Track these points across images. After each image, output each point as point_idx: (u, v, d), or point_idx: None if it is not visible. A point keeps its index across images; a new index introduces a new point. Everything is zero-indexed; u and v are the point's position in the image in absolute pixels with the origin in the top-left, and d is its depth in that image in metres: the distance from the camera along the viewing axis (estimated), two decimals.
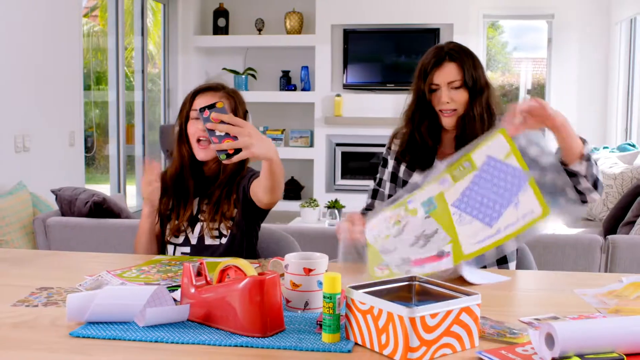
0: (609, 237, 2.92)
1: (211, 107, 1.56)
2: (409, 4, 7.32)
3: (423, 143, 2.16)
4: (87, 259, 2.07)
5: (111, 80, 6.31)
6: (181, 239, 2.19)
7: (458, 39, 7.31)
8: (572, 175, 1.81)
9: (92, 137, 6.61)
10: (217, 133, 1.55)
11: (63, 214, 3.30)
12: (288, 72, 7.85)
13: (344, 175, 7.72)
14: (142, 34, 6.93)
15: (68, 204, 3.26)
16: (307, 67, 7.76)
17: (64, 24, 5.02)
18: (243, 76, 7.73)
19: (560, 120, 1.74)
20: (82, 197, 3.22)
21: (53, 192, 3.37)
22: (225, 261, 1.42)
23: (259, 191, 1.98)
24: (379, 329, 1.26)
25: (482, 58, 7.82)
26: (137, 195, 6.95)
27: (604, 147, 5.72)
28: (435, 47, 2.15)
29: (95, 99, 6.64)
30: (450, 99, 2.08)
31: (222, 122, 1.54)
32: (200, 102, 2.14)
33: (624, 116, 7.08)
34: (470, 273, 1.79)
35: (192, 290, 1.42)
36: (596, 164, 1.86)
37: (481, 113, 2.09)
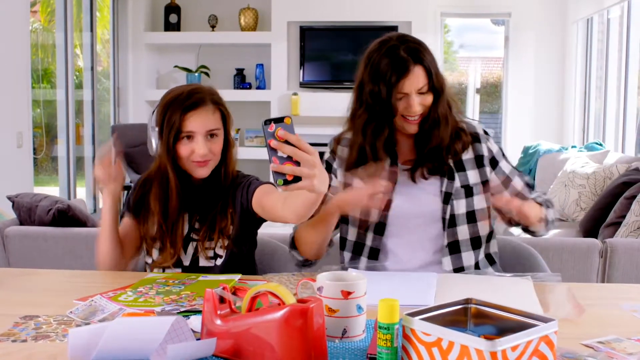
0: (607, 240, 2.82)
1: (278, 121, 1.32)
2: (366, 1, 7.18)
3: (376, 159, 1.93)
4: (68, 279, 1.83)
5: (60, 78, 5.97)
6: (171, 262, 1.96)
7: (416, 37, 7.19)
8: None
9: (39, 138, 6.26)
10: (279, 154, 1.31)
11: (21, 223, 3.03)
12: (242, 70, 7.61)
13: None
14: (91, 30, 6.60)
15: (27, 212, 2.99)
16: (262, 65, 7.55)
17: (11, 19, 4.69)
18: (196, 74, 7.46)
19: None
20: (43, 205, 2.95)
21: (9, 198, 3.09)
22: (257, 287, 1.22)
23: (286, 213, 1.69)
24: None
25: (440, 56, 7.73)
26: (88, 196, 6.62)
27: (572, 147, 5.69)
28: (387, 46, 1.86)
29: (39, 98, 6.29)
30: (420, 107, 1.88)
31: (286, 141, 1.30)
32: (196, 123, 1.86)
33: (581, 115, 7.09)
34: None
35: (218, 321, 1.21)
36: (552, 210, 1.98)
37: (445, 113, 1.93)
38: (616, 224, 3.60)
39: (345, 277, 1.36)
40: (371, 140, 1.92)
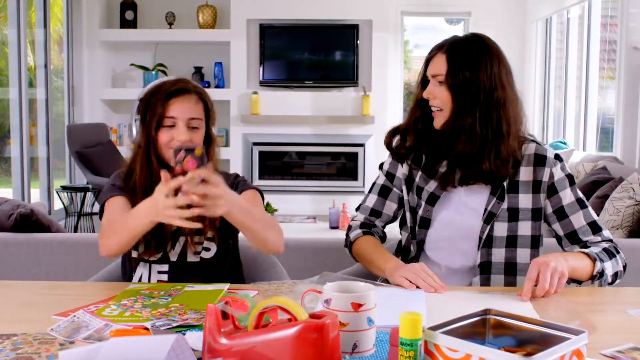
0: None
1: (189, 151, 1.46)
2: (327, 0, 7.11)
3: (416, 146, 1.94)
4: (44, 291, 1.69)
5: (12, 76, 5.74)
6: (157, 255, 1.86)
7: (377, 36, 7.19)
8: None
9: None
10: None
11: None
12: (201, 68, 7.47)
13: (261, 176, 7.43)
14: (45, 27, 6.37)
15: None
16: (220, 63, 7.41)
17: None
18: (153, 72, 7.29)
19: (566, 271, 1.64)
20: (4, 209, 2.79)
21: None
22: (265, 302, 1.13)
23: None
24: None
25: (400, 56, 7.70)
26: (41, 198, 6.41)
27: None
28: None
29: None
30: (432, 95, 1.85)
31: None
32: (177, 109, 1.81)
33: (540, 114, 7.15)
34: None
35: (223, 340, 1.12)
36: (613, 264, 1.78)
37: (471, 125, 1.79)
38: None
39: (354, 288, 1.28)
40: (414, 124, 1.93)
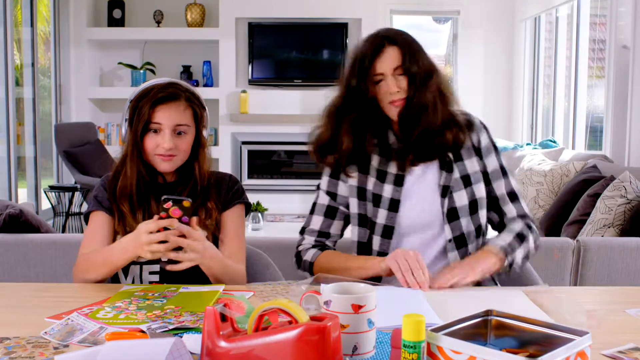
0: (580, 239, 2.80)
1: (177, 202, 1.55)
2: None
3: (364, 150, 1.88)
4: (36, 293, 1.67)
5: None
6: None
7: (366, 34, 7.15)
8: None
9: None
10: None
11: None
12: (189, 67, 7.43)
13: (250, 175, 7.40)
14: (32, 25, 6.31)
15: None
16: (209, 62, 7.38)
17: None
18: (141, 71, 7.25)
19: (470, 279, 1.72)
20: None
21: None
22: (264, 304, 1.11)
23: None
24: None
25: None
26: (29, 197, 6.35)
27: (527, 144, 5.71)
28: (368, 36, 1.86)
29: None
30: (398, 87, 1.81)
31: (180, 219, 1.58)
32: (164, 116, 1.80)
33: (529, 112, 7.16)
34: None
35: (222, 342, 1.10)
36: (524, 247, 1.85)
37: (433, 100, 1.83)
38: (579, 222, 3.59)
39: (354, 289, 1.26)
40: (362, 136, 1.86)
